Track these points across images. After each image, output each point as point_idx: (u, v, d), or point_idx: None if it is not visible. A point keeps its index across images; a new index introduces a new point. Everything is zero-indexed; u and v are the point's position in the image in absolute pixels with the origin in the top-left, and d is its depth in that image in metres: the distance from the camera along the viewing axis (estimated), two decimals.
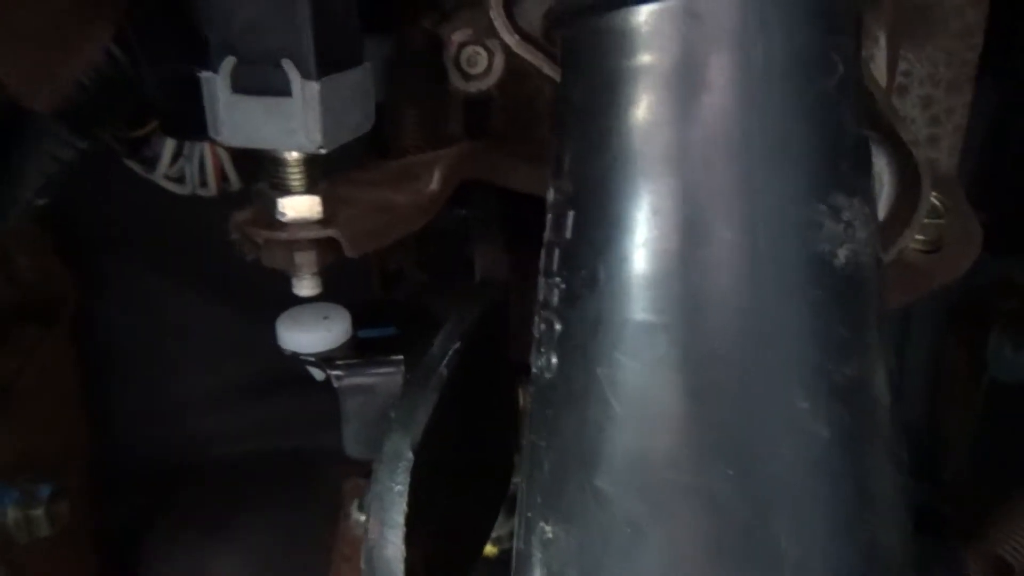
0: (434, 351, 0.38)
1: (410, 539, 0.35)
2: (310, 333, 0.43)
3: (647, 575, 0.28)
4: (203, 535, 0.72)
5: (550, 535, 0.30)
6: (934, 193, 0.53)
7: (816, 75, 0.28)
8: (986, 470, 0.75)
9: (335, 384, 0.42)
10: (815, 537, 0.27)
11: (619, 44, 0.29)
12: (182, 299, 0.75)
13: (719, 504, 0.27)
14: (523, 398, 0.50)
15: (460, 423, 0.41)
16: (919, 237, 0.54)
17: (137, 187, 0.62)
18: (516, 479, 0.50)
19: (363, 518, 0.70)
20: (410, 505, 0.35)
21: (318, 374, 0.44)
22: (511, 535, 0.59)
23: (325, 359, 0.43)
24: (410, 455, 0.35)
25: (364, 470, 0.71)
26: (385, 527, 0.35)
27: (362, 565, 0.36)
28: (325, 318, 0.44)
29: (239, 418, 0.79)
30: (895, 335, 0.81)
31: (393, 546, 0.34)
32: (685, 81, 0.28)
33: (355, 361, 0.43)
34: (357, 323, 0.44)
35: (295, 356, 0.43)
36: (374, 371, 0.42)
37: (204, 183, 0.61)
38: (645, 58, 0.28)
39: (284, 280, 0.47)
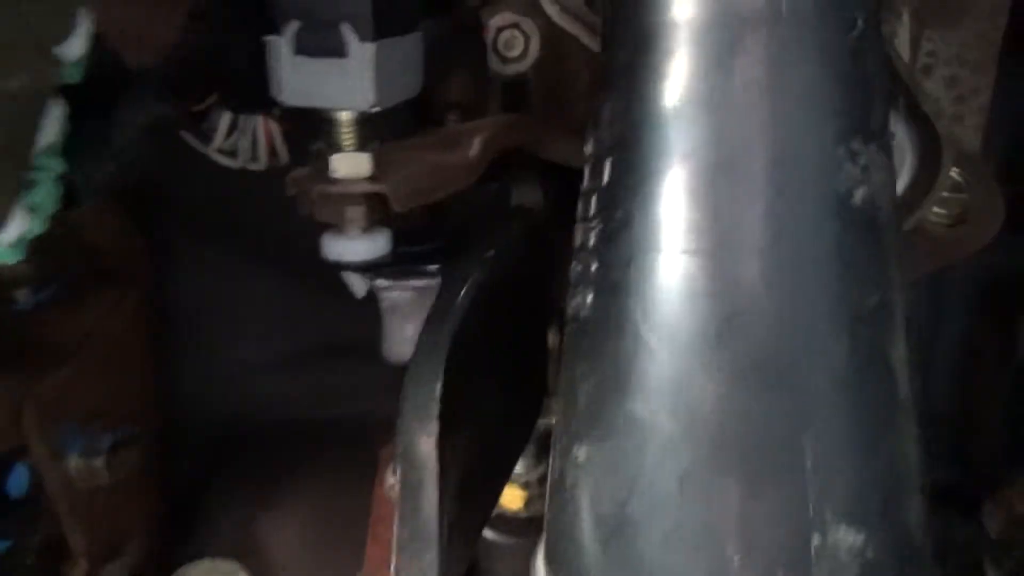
0: (470, 256, 0.40)
1: (443, 424, 0.34)
2: (353, 242, 0.44)
3: (676, 487, 0.30)
4: (252, 499, 0.75)
5: (583, 457, 0.32)
6: (957, 169, 0.54)
7: (839, 27, 0.30)
8: (1017, 454, 0.75)
9: (375, 290, 0.44)
10: (837, 454, 0.29)
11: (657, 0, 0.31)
12: (240, 268, 0.78)
13: (747, 419, 0.29)
14: (552, 340, 0.52)
15: (494, 337, 0.41)
16: (942, 211, 0.55)
17: (203, 158, 0.65)
18: (544, 420, 0.52)
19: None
20: (442, 399, 0.34)
21: (360, 285, 0.46)
22: (540, 480, 0.62)
23: (367, 267, 0.44)
24: (447, 340, 0.35)
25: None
26: (418, 417, 0.34)
27: (397, 460, 0.35)
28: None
29: (290, 386, 0.82)
30: (925, 317, 0.81)
31: (427, 434, 0.34)
32: (718, 33, 0.30)
33: (396, 269, 0.44)
34: (402, 243, 0.46)
35: (338, 265, 0.44)
36: (414, 280, 0.44)
37: (255, 157, 0.64)
38: (681, 12, 0.31)
39: None
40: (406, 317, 0.44)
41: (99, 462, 0.60)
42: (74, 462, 0.60)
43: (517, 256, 0.42)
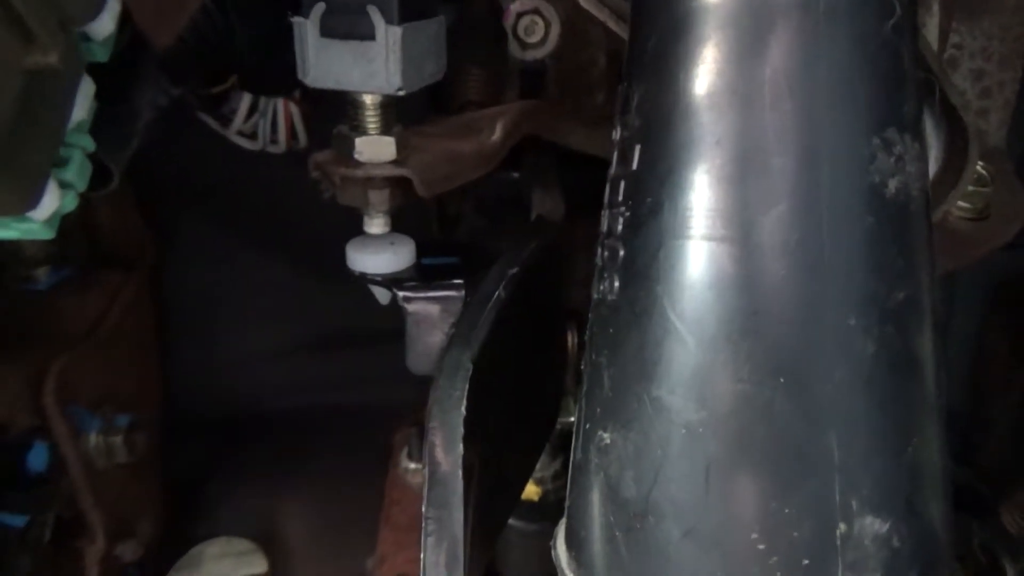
0: (493, 274, 0.41)
1: (467, 445, 0.36)
2: (378, 255, 0.46)
3: (701, 475, 0.30)
4: (263, 483, 0.76)
5: (608, 441, 0.32)
6: (981, 163, 0.54)
7: (875, 16, 0.30)
8: None
9: (400, 303, 0.45)
10: (863, 448, 0.29)
11: None
12: (247, 255, 0.79)
13: (773, 413, 0.29)
14: (571, 341, 0.52)
15: (515, 348, 0.42)
16: (966, 205, 0.55)
17: (210, 144, 0.65)
18: (563, 419, 0.53)
19: (412, 465, 0.74)
20: (468, 411, 0.36)
21: (383, 296, 0.47)
22: (555, 476, 0.62)
23: (392, 280, 0.46)
24: (469, 365, 0.37)
25: (412, 421, 0.75)
26: (445, 429, 0.36)
27: (423, 468, 0.37)
28: (391, 243, 0.46)
29: (297, 372, 0.82)
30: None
31: (453, 447, 0.36)
32: (751, 20, 0.30)
33: (420, 283, 0.45)
34: (421, 255, 0.47)
35: (363, 277, 0.46)
36: (437, 293, 0.45)
37: (275, 140, 0.64)
38: None
39: (345, 240, 0.50)
40: (430, 329, 0.44)
41: (118, 440, 0.61)
42: (94, 440, 0.60)
43: (538, 268, 0.42)
